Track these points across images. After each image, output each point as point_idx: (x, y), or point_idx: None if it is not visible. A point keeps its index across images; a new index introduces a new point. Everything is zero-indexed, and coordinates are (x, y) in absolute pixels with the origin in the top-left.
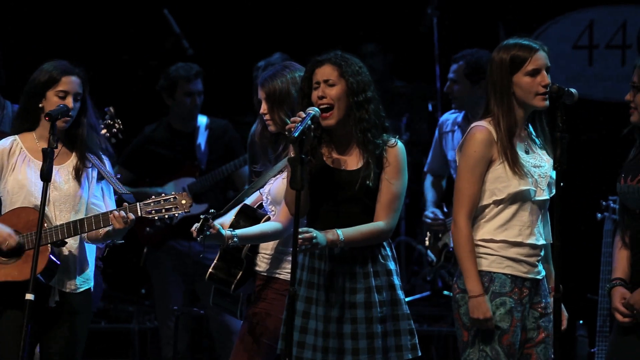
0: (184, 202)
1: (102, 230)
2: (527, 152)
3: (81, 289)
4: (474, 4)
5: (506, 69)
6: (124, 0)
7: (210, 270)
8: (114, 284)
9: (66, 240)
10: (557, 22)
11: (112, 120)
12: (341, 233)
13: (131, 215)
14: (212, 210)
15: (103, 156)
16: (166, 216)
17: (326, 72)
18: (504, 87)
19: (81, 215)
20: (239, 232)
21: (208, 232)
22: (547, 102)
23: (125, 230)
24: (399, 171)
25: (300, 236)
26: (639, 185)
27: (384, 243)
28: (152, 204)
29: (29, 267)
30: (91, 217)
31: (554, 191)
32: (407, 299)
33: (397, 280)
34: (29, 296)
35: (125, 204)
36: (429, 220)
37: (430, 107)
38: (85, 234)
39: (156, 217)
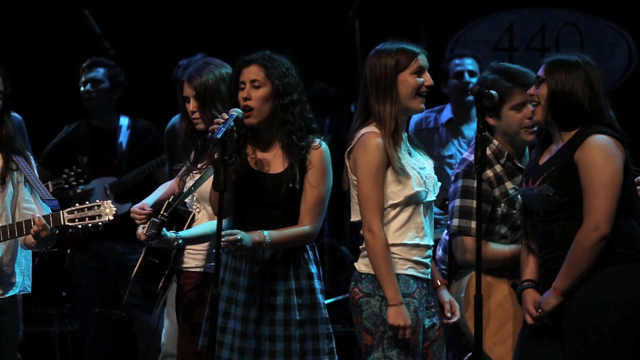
0: (107, 210)
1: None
2: (410, 155)
3: (8, 294)
4: (395, 5)
5: (391, 70)
6: (44, 1)
7: (136, 268)
8: (34, 287)
9: None
10: (477, 25)
11: (83, 169)
12: (267, 235)
13: (48, 227)
14: (165, 213)
15: (30, 157)
16: (90, 225)
17: (252, 72)
18: (389, 88)
19: (4, 221)
20: (182, 234)
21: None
22: (424, 107)
23: (49, 238)
24: (323, 174)
25: (224, 238)
26: (540, 188)
27: (307, 246)
28: (75, 212)
29: None
30: (14, 224)
31: (437, 192)
32: (330, 300)
33: (317, 284)
34: None
35: (50, 212)
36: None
37: (353, 109)
38: (21, 240)
39: (79, 226)
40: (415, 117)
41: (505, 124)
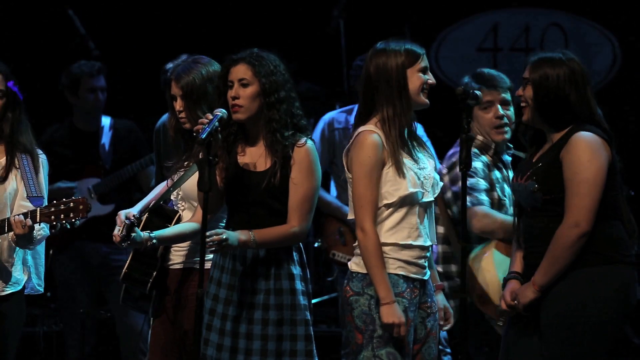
0: (81, 207)
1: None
2: (411, 155)
3: (6, 292)
4: (380, 6)
5: (402, 65)
6: (28, 1)
7: (124, 270)
8: None
9: None
10: (462, 25)
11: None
12: (254, 234)
13: (29, 222)
14: (135, 214)
15: (40, 155)
16: (64, 222)
17: (240, 71)
18: (401, 83)
19: (4, 217)
20: (157, 233)
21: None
22: (428, 101)
23: (28, 235)
24: (307, 171)
25: (209, 238)
26: (525, 184)
27: (292, 247)
28: (52, 209)
29: None
30: None
31: (437, 192)
32: (315, 300)
33: (299, 285)
34: None
35: (29, 209)
36: None
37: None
38: (10, 237)
39: (54, 223)
40: (326, 118)
41: (477, 123)
